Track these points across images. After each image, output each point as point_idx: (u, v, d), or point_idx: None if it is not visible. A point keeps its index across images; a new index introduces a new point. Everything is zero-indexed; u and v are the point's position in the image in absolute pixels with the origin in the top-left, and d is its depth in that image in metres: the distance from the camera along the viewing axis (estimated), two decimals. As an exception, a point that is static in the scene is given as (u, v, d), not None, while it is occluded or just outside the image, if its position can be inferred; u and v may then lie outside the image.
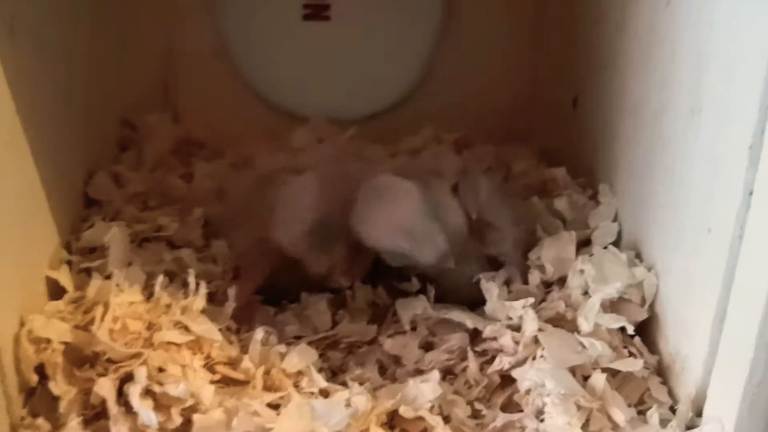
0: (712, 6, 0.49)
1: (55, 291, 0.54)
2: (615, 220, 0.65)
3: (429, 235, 0.56)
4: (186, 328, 0.50)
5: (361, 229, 0.58)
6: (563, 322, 0.54)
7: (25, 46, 0.53)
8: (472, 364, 0.53)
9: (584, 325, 0.53)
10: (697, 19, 0.51)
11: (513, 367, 0.51)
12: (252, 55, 0.89)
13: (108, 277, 0.54)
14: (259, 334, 0.51)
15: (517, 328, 0.54)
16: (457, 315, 0.56)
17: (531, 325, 0.52)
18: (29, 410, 0.47)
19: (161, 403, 0.46)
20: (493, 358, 0.53)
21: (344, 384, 0.51)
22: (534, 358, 0.51)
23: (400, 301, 0.60)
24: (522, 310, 0.54)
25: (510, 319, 0.55)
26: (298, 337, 0.57)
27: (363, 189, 0.58)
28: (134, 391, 0.45)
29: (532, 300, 0.55)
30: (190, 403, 0.45)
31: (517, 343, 0.52)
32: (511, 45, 0.90)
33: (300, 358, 0.51)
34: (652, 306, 0.56)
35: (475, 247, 0.61)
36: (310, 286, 0.63)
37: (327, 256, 0.59)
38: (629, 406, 0.50)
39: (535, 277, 0.60)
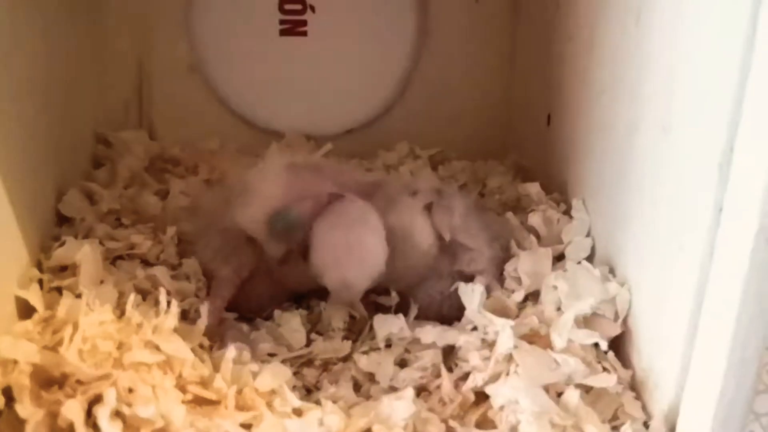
0: (681, 24, 0.49)
1: (25, 310, 0.53)
2: (588, 235, 0.65)
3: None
4: (157, 348, 0.49)
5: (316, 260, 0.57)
6: (537, 338, 0.54)
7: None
8: (446, 381, 0.53)
9: (558, 341, 0.53)
10: (666, 38, 0.51)
11: (486, 383, 0.51)
12: (228, 70, 0.89)
13: (79, 296, 0.54)
14: (231, 352, 0.51)
15: (492, 343, 0.54)
16: (430, 334, 0.56)
17: (507, 342, 0.52)
18: (-5, 433, 0.46)
19: (131, 425, 0.45)
20: (467, 374, 0.53)
21: (318, 402, 0.50)
22: (508, 374, 0.51)
23: (378, 317, 0.59)
24: (500, 326, 0.54)
25: (486, 333, 0.55)
26: (272, 355, 0.57)
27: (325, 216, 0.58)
28: (103, 414, 0.44)
29: (512, 323, 0.55)
30: (160, 424, 0.45)
31: (487, 359, 0.52)
32: (486, 62, 0.91)
33: (273, 376, 0.50)
34: (625, 321, 0.56)
35: (448, 265, 0.61)
36: (282, 300, 0.63)
37: (285, 243, 0.58)
38: (603, 422, 0.50)
39: (512, 288, 0.60)
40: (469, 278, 0.61)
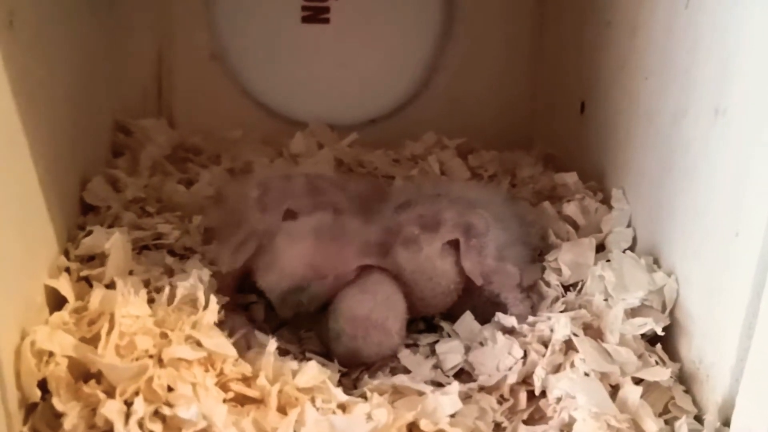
0: (736, 4, 0.48)
1: (55, 301, 0.51)
2: (629, 225, 0.63)
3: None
4: (198, 343, 0.47)
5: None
6: (589, 331, 0.53)
7: (24, 43, 0.50)
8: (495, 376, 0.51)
9: (610, 337, 0.52)
10: (721, 19, 0.50)
11: (546, 375, 0.50)
12: (249, 58, 0.87)
13: (108, 285, 0.52)
14: (272, 345, 0.49)
15: (545, 342, 0.52)
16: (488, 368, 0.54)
17: (563, 329, 0.51)
18: (30, 427, 0.44)
19: (171, 425, 0.43)
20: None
21: (363, 396, 0.49)
22: (571, 365, 0.50)
23: (442, 344, 0.57)
24: (550, 320, 0.53)
25: (532, 327, 0.53)
26: (314, 351, 0.56)
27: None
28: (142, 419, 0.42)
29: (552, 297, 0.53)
30: (202, 425, 0.43)
31: (543, 355, 0.51)
32: (513, 50, 0.89)
33: (316, 372, 0.49)
34: (672, 312, 0.55)
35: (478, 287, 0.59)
36: None
37: (299, 310, 0.57)
38: (655, 416, 0.49)
39: (552, 279, 0.59)
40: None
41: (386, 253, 0.58)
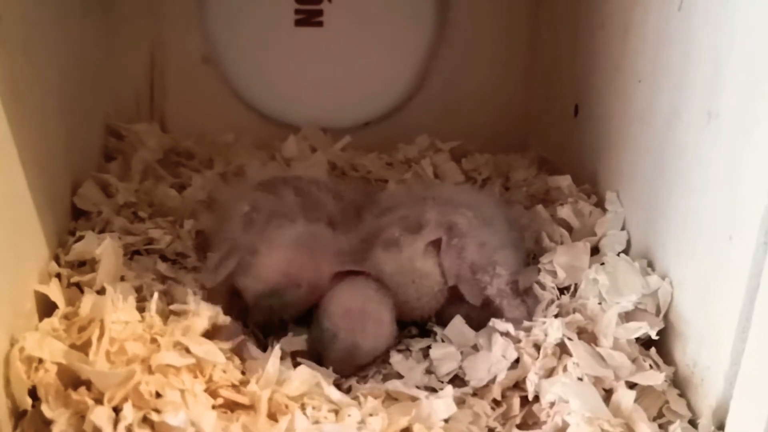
0: (729, 7, 0.48)
1: (45, 307, 0.51)
2: (623, 228, 0.63)
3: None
4: (186, 350, 0.47)
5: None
6: (583, 334, 0.52)
7: (13, 46, 0.50)
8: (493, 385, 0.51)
9: (604, 338, 0.52)
10: (714, 21, 0.50)
11: (539, 379, 0.50)
12: (242, 62, 0.87)
13: (100, 291, 0.51)
14: (277, 350, 0.49)
15: (539, 347, 0.52)
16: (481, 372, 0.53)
17: (555, 333, 0.51)
18: (19, 434, 0.44)
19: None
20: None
21: (356, 399, 0.49)
22: (564, 370, 0.49)
23: (436, 348, 0.57)
24: (544, 324, 0.52)
25: (528, 332, 0.53)
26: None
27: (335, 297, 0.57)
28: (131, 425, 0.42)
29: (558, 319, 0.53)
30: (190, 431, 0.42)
31: (535, 359, 0.51)
32: (507, 53, 0.89)
33: (307, 377, 0.49)
34: (666, 316, 0.54)
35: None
36: None
37: (270, 315, 0.58)
38: (649, 420, 0.48)
39: (547, 282, 0.59)
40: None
41: (363, 259, 0.58)
